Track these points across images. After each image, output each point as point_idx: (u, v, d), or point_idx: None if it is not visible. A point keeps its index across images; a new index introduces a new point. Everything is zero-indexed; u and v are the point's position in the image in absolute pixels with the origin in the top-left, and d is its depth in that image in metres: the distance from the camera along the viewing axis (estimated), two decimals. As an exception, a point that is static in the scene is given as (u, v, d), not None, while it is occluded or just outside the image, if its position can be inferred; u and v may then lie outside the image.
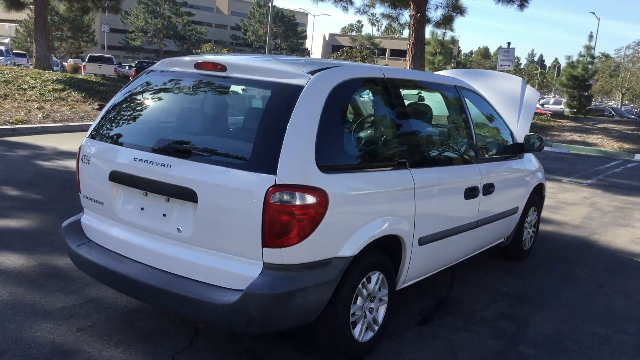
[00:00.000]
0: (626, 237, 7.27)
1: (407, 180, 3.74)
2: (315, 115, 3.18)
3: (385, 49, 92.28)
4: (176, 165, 3.26)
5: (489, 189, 4.68)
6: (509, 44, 18.88)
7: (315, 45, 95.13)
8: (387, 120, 3.85)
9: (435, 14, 23.52)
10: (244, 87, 3.75)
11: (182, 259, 3.29)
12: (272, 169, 3.00)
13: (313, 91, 3.23)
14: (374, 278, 3.58)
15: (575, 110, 35.05)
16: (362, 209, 3.42)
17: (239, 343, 3.77)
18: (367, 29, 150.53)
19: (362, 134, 3.66)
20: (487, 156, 4.87)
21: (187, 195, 3.21)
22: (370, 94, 3.85)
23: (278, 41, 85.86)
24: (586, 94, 35.83)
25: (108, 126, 3.83)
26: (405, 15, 24.14)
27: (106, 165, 3.61)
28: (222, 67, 3.49)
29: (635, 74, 55.06)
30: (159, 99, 3.82)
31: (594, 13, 50.90)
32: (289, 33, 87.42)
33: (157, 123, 3.72)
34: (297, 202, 2.99)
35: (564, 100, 39.00)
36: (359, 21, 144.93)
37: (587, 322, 4.48)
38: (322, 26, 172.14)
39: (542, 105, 42.68)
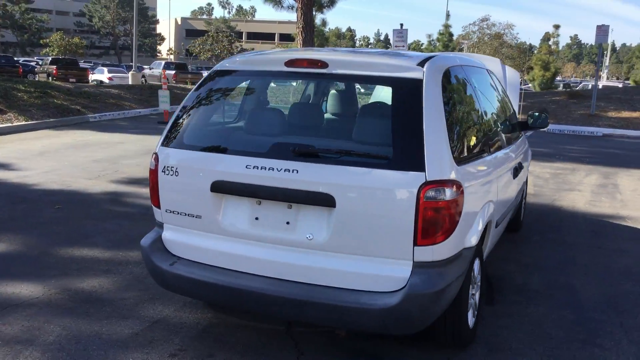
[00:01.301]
0: (582, 201, 7.95)
1: (493, 165, 3.84)
2: (440, 107, 3.16)
3: (242, 32, 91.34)
4: (305, 170, 3.09)
5: (520, 166, 4.92)
6: (401, 25, 19.58)
7: (167, 29, 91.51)
8: (475, 107, 3.91)
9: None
10: (348, 83, 3.61)
11: (316, 266, 3.14)
12: (419, 166, 2.95)
13: (432, 83, 3.21)
14: (475, 264, 3.66)
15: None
16: (478, 197, 3.47)
17: (347, 345, 3.68)
18: (218, 12, 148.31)
19: (465, 123, 3.69)
20: (514, 136, 5.10)
21: (322, 200, 3.06)
22: (461, 81, 3.88)
23: (128, 27, 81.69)
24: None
25: (193, 133, 3.52)
26: (289, -1, 24.20)
27: (206, 175, 3.32)
28: (322, 64, 3.33)
29: (482, 49, 59.29)
30: (250, 99, 3.59)
31: (442, -8, 53.60)
32: (139, 18, 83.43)
33: (260, 126, 3.49)
34: (447, 197, 2.97)
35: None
36: (209, 4, 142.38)
37: (618, 282, 4.88)
38: (170, 10, 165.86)
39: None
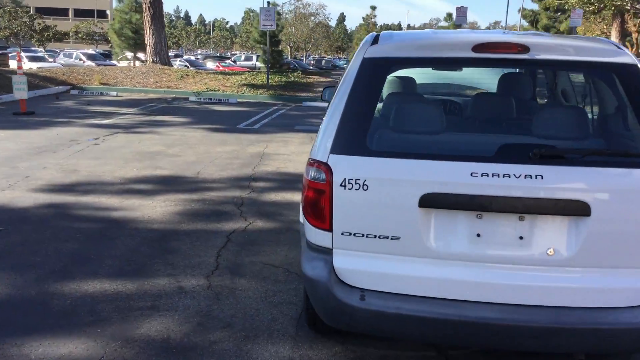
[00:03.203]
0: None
1: None
2: None
3: (29, 7, 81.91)
4: (552, 175, 2.63)
5: None
6: (268, 3, 18.89)
7: None
8: None
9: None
10: (550, 69, 3.16)
11: (561, 286, 2.71)
12: None
13: None
14: None
15: (270, 65, 36.64)
16: None
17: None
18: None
19: None
20: None
21: (574, 209, 2.63)
22: None
23: None
24: (278, 49, 37.82)
25: (380, 137, 2.86)
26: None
27: (413, 188, 2.70)
28: (523, 48, 2.87)
29: (299, 28, 60.38)
30: (436, 92, 2.99)
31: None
32: None
33: (469, 123, 2.92)
34: None
35: (258, 55, 40.63)
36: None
37: None
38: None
39: (235, 62, 43.92)
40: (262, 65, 37.15)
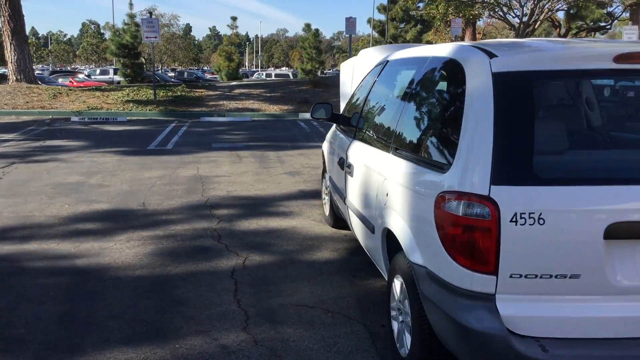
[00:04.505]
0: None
1: None
2: None
3: None
4: None
5: None
6: (150, 13, 17.68)
7: None
8: None
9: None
10: None
11: None
12: None
13: None
14: None
15: (130, 78, 34.72)
16: None
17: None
18: None
19: None
20: None
21: None
22: None
23: None
24: (138, 62, 35.87)
25: (548, 162, 2.55)
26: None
27: (598, 218, 2.43)
28: None
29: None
30: (578, 106, 2.77)
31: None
32: None
33: (611, 137, 2.71)
34: None
35: (116, 69, 38.31)
36: None
37: None
38: None
39: (89, 76, 41.06)
40: (122, 79, 35.11)
